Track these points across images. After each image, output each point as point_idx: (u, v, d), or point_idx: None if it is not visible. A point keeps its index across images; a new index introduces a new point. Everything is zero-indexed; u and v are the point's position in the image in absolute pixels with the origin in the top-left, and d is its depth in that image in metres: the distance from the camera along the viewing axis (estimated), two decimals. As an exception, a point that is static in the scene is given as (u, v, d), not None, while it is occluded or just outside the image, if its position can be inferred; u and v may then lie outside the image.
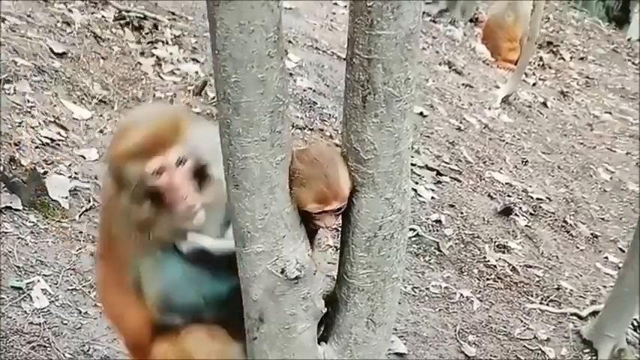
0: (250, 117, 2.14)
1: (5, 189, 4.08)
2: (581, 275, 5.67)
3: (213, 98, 5.70)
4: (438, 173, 6.22)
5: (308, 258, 2.34)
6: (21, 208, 4.06)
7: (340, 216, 2.37)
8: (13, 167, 4.09)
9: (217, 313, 2.62)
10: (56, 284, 3.77)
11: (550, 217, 6.34)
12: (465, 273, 5.17)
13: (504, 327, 4.77)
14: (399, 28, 2.07)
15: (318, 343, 2.50)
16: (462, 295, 4.93)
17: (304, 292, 2.36)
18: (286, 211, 2.27)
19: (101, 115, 5.14)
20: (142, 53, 6.04)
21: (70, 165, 4.52)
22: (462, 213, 5.80)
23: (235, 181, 2.23)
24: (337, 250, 3.01)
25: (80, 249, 4.03)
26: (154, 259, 2.60)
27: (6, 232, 3.89)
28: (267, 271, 2.32)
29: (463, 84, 8.54)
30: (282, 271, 2.31)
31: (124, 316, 2.74)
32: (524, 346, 4.66)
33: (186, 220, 2.55)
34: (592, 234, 6.36)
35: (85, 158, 4.65)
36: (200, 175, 2.53)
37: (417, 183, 5.86)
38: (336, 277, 2.49)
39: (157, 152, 2.49)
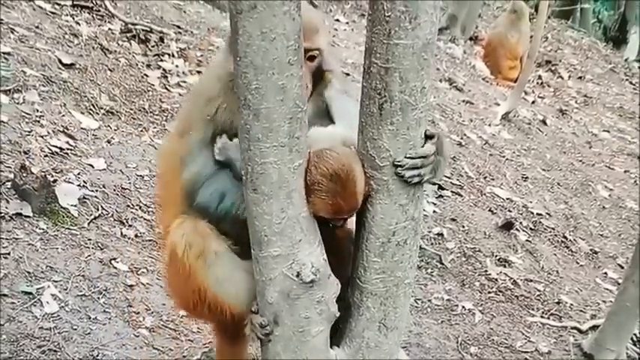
0: (270, 123, 2.20)
1: (16, 196, 4.13)
2: (581, 290, 5.72)
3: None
4: (440, 187, 6.27)
5: (323, 262, 2.40)
6: (31, 214, 4.10)
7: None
8: (24, 175, 4.13)
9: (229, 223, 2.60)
10: (66, 290, 3.81)
11: (550, 232, 6.39)
12: (467, 286, 5.21)
13: (506, 339, 4.80)
14: (416, 38, 2.14)
15: (330, 346, 2.55)
16: (463, 307, 4.97)
17: (319, 295, 2.41)
18: (302, 215, 2.33)
19: (108, 126, 5.19)
20: (149, 65, 6.10)
21: (78, 174, 4.57)
22: (463, 227, 5.86)
23: (254, 185, 2.29)
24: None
25: (89, 256, 4.07)
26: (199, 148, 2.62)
27: (16, 239, 3.94)
28: (282, 275, 2.37)
29: (464, 100, 8.61)
30: (298, 275, 2.36)
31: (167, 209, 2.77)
32: (525, 359, 4.70)
33: None
34: (591, 250, 6.41)
35: (93, 167, 4.70)
36: (319, 75, 2.60)
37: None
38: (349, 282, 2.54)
39: None
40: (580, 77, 11.98)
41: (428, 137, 2.34)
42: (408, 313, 2.60)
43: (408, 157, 2.28)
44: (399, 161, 2.27)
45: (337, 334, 2.59)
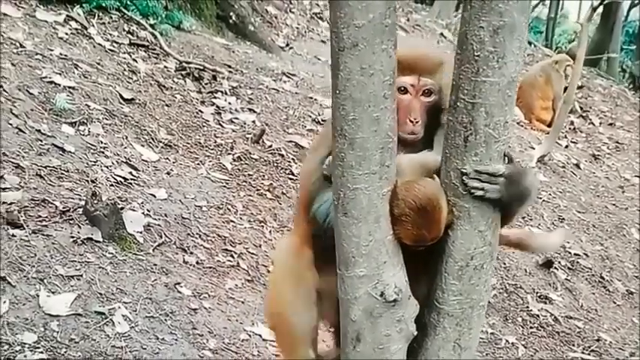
0: (363, 151, 2.38)
1: (87, 221, 4.33)
2: (619, 328, 5.84)
3: (271, 146, 5.99)
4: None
5: (405, 283, 2.56)
6: (101, 240, 4.30)
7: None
8: (95, 202, 4.33)
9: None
10: (135, 311, 3.98)
11: (587, 272, 6.53)
12: (510, 320, 5.35)
13: (549, 373, 4.94)
14: (502, 76, 2.33)
15: (405, 365, 2.71)
16: (507, 341, 5.11)
17: (399, 314, 2.57)
18: (388, 238, 2.50)
19: (167, 158, 5.40)
20: (203, 102, 6.33)
21: (142, 202, 4.77)
22: (504, 264, 6.00)
23: (344, 210, 2.46)
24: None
25: (155, 280, 4.25)
26: None
27: (88, 262, 4.13)
28: (367, 294, 2.53)
29: (500, 143, 8.76)
30: (382, 294, 2.52)
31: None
32: (568, 393, 4.83)
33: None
34: (627, 290, 6.53)
35: (155, 197, 4.90)
36: (436, 117, 2.69)
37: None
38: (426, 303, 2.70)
39: (414, 73, 2.71)
40: (611, 124, 12.13)
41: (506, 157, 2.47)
42: (479, 334, 2.75)
43: (475, 170, 2.42)
44: (464, 168, 2.41)
45: (412, 353, 2.74)
